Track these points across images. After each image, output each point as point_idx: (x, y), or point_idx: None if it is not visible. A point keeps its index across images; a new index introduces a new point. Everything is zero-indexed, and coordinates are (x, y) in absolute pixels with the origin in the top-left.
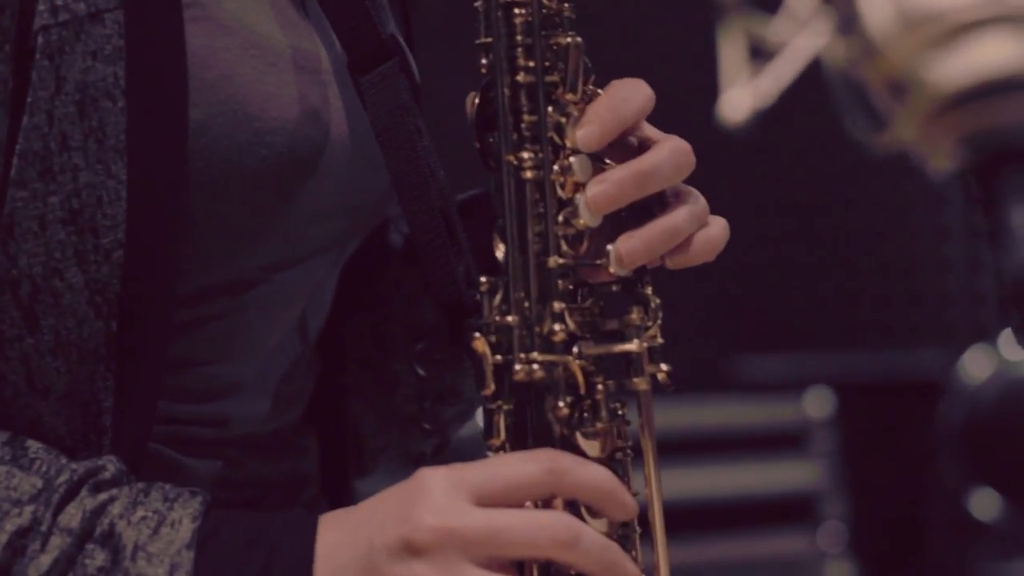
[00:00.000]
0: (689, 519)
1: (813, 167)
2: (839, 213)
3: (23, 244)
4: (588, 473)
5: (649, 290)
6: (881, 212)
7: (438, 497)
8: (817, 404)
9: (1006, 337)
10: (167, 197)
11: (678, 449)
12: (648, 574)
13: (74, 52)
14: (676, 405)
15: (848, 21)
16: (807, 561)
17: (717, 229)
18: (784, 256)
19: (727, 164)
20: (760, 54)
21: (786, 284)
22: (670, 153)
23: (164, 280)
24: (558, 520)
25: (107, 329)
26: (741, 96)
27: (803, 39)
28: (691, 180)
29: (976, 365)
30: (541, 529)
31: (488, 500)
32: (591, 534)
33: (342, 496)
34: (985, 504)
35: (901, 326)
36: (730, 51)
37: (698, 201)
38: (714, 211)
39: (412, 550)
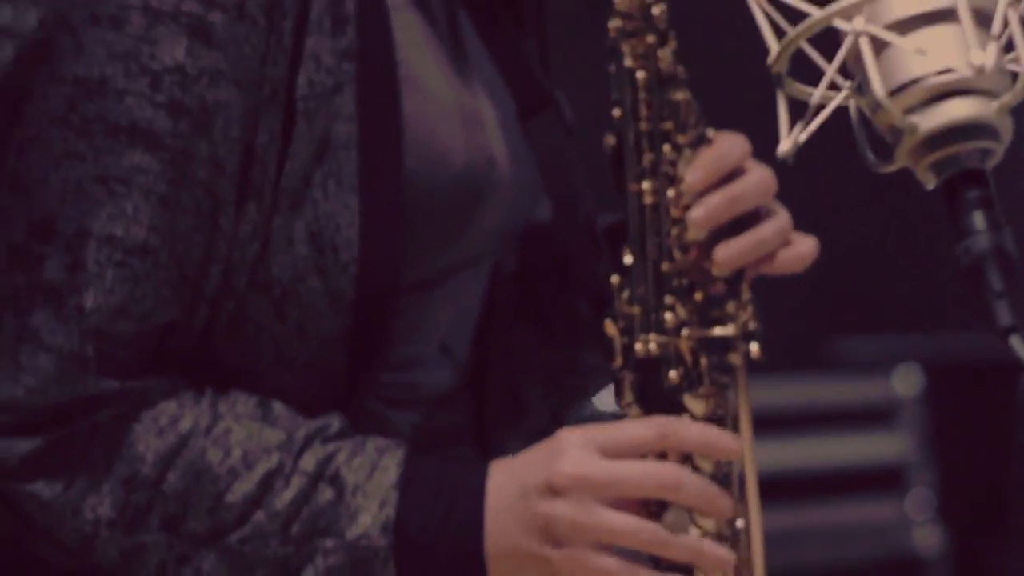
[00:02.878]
0: (787, 488)
1: None
2: (930, 198)
3: (275, 257)
4: (691, 431)
5: (744, 287)
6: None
7: (573, 451)
8: (906, 382)
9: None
10: (389, 224)
11: (778, 423)
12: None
13: (321, 115)
14: (776, 382)
15: (863, 86)
16: (896, 527)
17: (806, 247)
18: (877, 241)
19: (817, 157)
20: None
21: (879, 267)
22: (756, 180)
23: (387, 284)
24: (664, 469)
25: (343, 323)
26: (789, 143)
27: (832, 98)
28: (796, 173)
29: None
30: (650, 476)
31: (612, 454)
32: (693, 477)
33: (488, 445)
34: None
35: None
36: (781, 110)
37: (782, 219)
38: (814, 200)
39: (554, 491)
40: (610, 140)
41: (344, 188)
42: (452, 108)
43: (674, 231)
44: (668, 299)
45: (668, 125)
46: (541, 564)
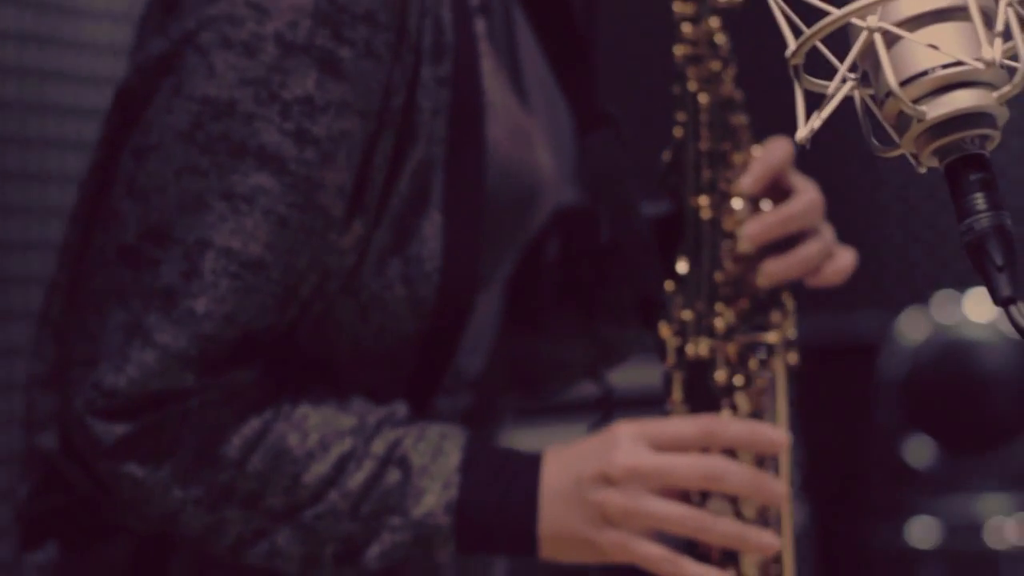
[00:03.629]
0: None
1: None
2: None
3: (366, 267)
4: (734, 426)
5: (787, 297)
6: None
7: (626, 444)
8: None
9: (939, 299)
10: (470, 239)
11: (648, 402)
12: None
13: (420, 137)
14: (641, 364)
15: (870, 78)
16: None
17: (845, 261)
18: None
19: None
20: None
21: None
22: (808, 203)
23: (465, 292)
24: (709, 461)
25: (419, 326)
26: (806, 130)
27: (843, 88)
28: None
29: (910, 326)
30: (695, 468)
31: (662, 448)
32: (737, 466)
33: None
34: (920, 451)
35: (839, 291)
36: (799, 100)
37: (827, 236)
38: None
39: (607, 481)
40: (667, 156)
41: (431, 206)
42: (516, 127)
43: (726, 244)
44: (719, 306)
45: (726, 146)
46: (589, 547)
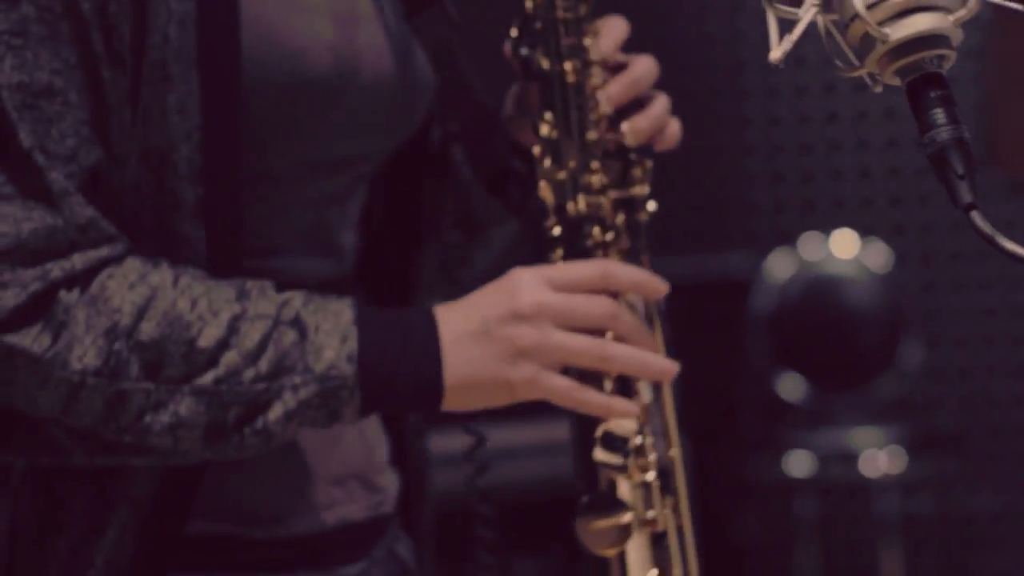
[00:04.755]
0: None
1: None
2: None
3: (151, 125)
4: (627, 271)
5: (642, 156)
6: (693, 135)
7: (531, 284)
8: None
9: (806, 240)
10: (227, 101)
11: None
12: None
13: None
14: None
15: (833, 3)
16: None
17: (676, 127)
18: None
19: None
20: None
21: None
22: (649, 67)
23: (229, 161)
24: (607, 302)
25: (196, 194)
26: (779, 51)
27: (809, 12)
28: None
29: (780, 266)
30: (597, 305)
31: (562, 289)
32: (629, 315)
33: None
34: (790, 386)
35: (712, 232)
36: (771, 25)
37: (666, 100)
38: None
39: (518, 317)
40: (514, 31)
41: (187, 63)
42: (317, 5)
43: (591, 106)
44: (593, 164)
45: (583, 12)
46: (501, 387)
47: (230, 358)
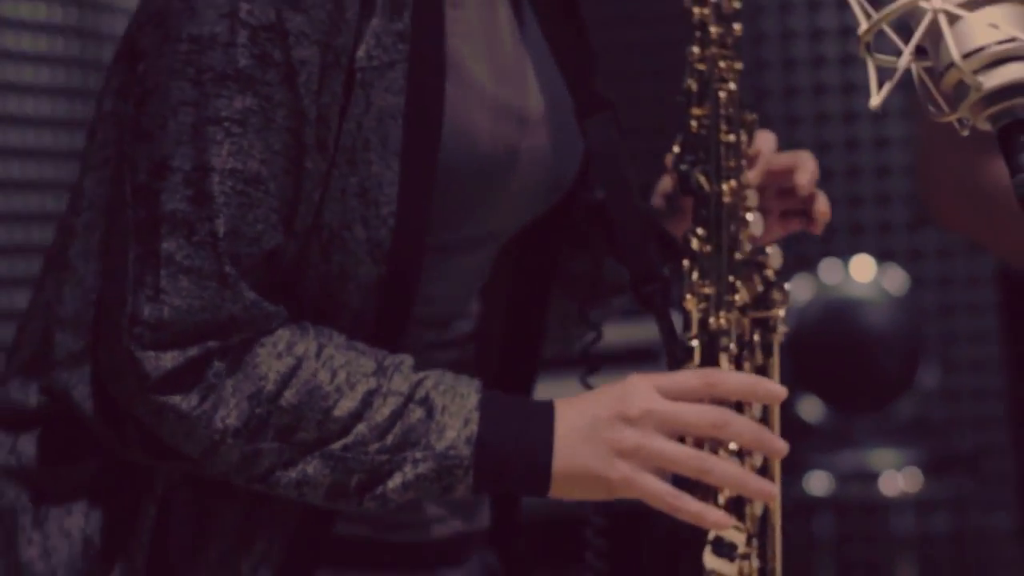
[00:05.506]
0: None
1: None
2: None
3: (329, 205)
4: (733, 378)
5: (783, 281)
6: None
7: (643, 390)
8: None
9: (825, 266)
10: (423, 187)
11: None
12: None
13: (377, 87)
14: None
15: (929, 54)
16: None
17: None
18: None
19: None
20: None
21: None
22: (814, 166)
23: (418, 239)
24: (717, 409)
25: (379, 271)
26: (879, 99)
27: (906, 60)
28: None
29: (799, 291)
30: (704, 414)
31: (671, 397)
32: (740, 418)
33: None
34: (810, 408)
35: None
36: (871, 72)
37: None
38: None
39: (624, 420)
40: (676, 147)
41: (389, 152)
42: (487, 99)
43: (742, 227)
44: (738, 283)
45: (742, 138)
46: (599, 483)
47: (360, 430)
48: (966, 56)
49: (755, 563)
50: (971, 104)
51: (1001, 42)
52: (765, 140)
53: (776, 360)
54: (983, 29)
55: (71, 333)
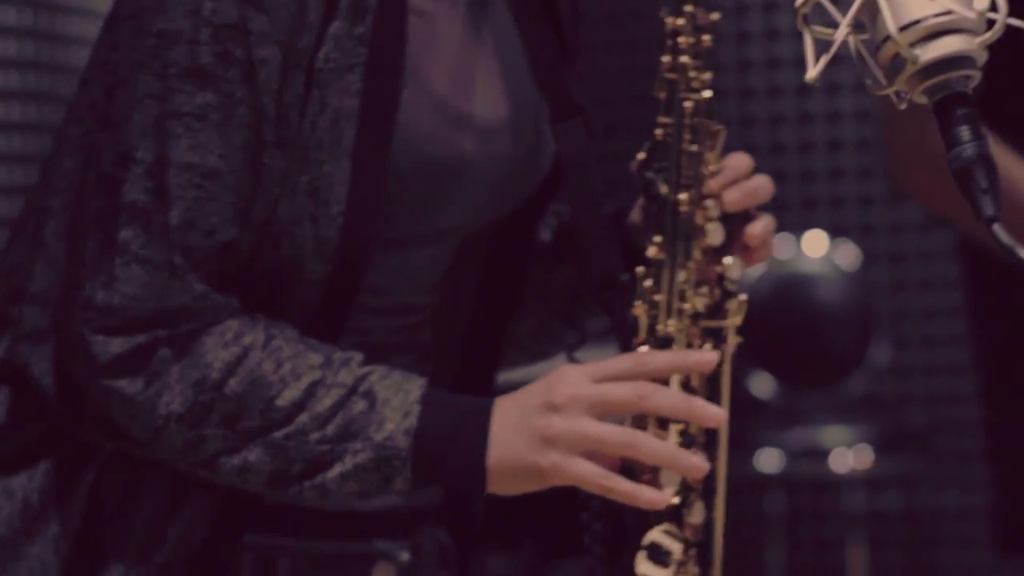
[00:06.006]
0: None
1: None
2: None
3: (281, 201)
4: (663, 358)
5: (740, 293)
6: None
7: (571, 376)
8: None
9: (778, 240)
10: (374, 189)
11: None
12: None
13: (334, 88)
14: None
15: (866, 27)
16: None
17: (771, 248)
18: None
19: None
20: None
21: None
22: (765, 182)
23: (366, 237)
24: (637, 384)
25: (324, 269)
26: (815, 71)
27: (843, 33)
28: None
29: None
30: (627, 388)
31: (602, 381)
32: (664, 389)
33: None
34: (760, 384)
35: None
36: (807, 45)
37: (773, 222)
38: None
39: (551, 408)
40: (641, 155)
41: (341, 153)
42: (442, 106)
43: (698, 236)
44: (688, 293)
45: (704, 148)
46: (532, 472)
47: (302, 419)
48: (902, 29)
49: (693, 570)
50: (907, 77)
51: (938, 15)
52: (738, 160)
53: (727, 369)
54: (920, 2)
55: (39, 309)
